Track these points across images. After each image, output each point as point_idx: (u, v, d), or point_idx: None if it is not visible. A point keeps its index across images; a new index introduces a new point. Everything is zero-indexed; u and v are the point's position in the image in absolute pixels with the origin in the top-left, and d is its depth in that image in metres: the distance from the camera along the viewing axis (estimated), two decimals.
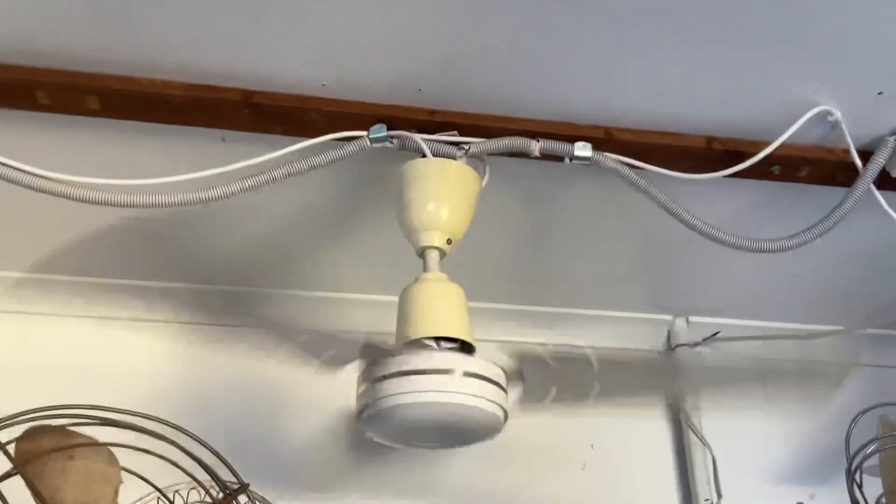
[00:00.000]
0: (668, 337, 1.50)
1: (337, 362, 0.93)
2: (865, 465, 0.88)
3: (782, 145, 1.03)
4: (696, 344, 1.47)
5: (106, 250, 1.27)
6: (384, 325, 0.96)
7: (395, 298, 0.95)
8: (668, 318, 1.50)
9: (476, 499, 1.33)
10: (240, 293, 1.36)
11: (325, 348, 0.99)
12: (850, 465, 0.85)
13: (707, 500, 1.35)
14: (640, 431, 1.43)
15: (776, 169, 1.07)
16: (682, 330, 1.49)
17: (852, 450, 0.86)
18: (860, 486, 0.88)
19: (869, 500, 0.86)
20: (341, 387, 1.21)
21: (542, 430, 1.36)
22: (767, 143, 1.02)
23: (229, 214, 1.18)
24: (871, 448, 0.86)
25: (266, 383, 1.30)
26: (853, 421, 0.91)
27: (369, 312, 1.30)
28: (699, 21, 0.91)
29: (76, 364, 1.28)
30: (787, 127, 1.01)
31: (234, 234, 1.24)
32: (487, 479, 1.34)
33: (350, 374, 0.94)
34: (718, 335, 1.45)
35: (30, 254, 1.29)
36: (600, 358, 1.00)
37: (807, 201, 1.10)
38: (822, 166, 1.07)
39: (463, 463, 1.33)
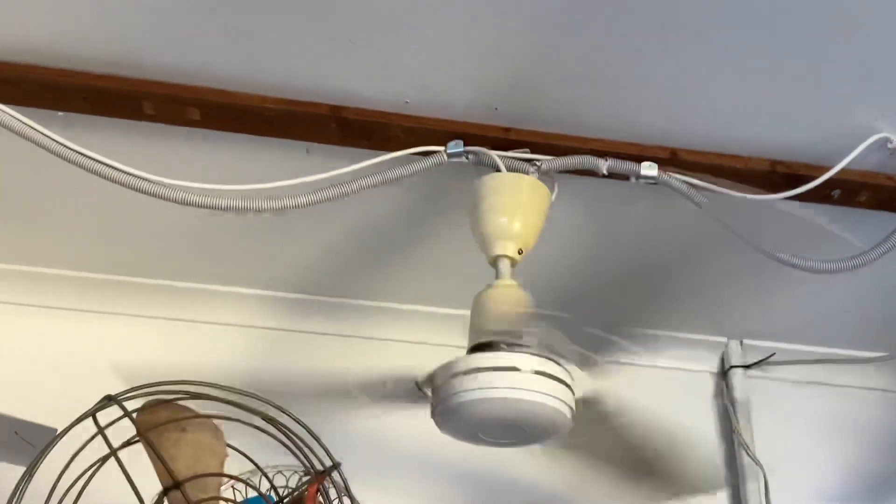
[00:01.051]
0: (723, 358, 1.52)
1: (414, 364, 0.97)
2: None
3: (843, 170, 1.07)
4: (750, 366, 1.50)
5: (190, 256, 1.34)
6: (453, 338, 1.01)
7: (464, 312, 1.01)
8: (723, 340, 1.53)
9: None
10: (315, 301, 1.42)
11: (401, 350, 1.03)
12: None
13: None
14: (694, 450, 1.46)
15: (836, 193, 1.11)
16: (737, 352, 1.51)
17: None
18: None
19: None
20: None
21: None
22: (828, 168, 1.07)
23: (308, 225, 1.25)
24: None
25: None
26: None
27: (438, 325, 1.36)
28: (766, 49, 0.96)
29: (154, 363, 1.34)
30: (847, 153, 1.05)
31: (311, 245, 1.31)
32: (545, 491, 1.37)
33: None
34: (772, 358, 1.48)
35: (113, 256, 1.36)
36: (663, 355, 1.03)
37: (865, 225, 1.13)
38: (880, 192, 1.11)
39: (522, 475, 1.36)
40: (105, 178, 1.03)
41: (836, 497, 1.43)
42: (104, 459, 0.73)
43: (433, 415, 0.94)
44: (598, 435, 0.99)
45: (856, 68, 0.98)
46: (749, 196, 1.08)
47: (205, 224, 1.24)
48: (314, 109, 1.05)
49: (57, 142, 1.01)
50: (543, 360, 0.91)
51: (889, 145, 1.06)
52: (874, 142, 1.05)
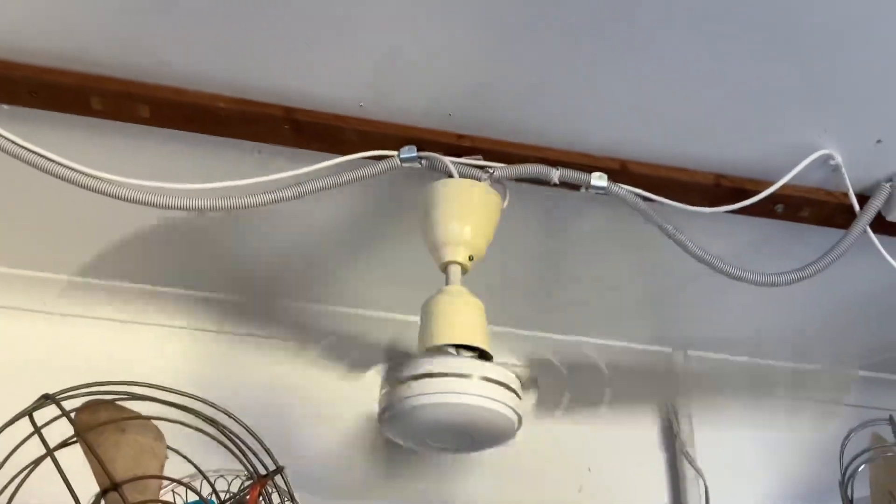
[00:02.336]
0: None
1: (361, 366, 0.97)
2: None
3: (785, 186, 1.09)
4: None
5: (138, 257, 1.32)
6: (404, 344, 1.01)
7: (416, 318, 1.01)
8: (668, 350, 1.55)
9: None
10: (263, 305, 1.41)
11: (348, 352, 1.03)
12: (843, 475, 0.92)
13: None
14: (637, 457, 1.48)
15: (779, 208, 1.13)
16: (680, 362, 1.54)
17: (845, 462, 0.92)
18: (851, 500, 0.94)
19: None
20: (361, 394, 1.27)
21: (542, 451, 1.41)
22: (772, 183, 1.09)
23: (258, 227, 1.24)
24: (864, 457, 0.92)
25: (288, 391, 1.35)
26: (847, 437, 0.97)
27: (390, 330, 1.35)
28: (714, 66, 0.98)
29: (104, 366, 1.32)
30: (791, 168, 1.08)
31: (261, 247, 1.30)
32: (489, 495, 1.38)
33: (371, 381, 0.99)
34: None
35: (55, 255, 1.33)
36: (609, 364, 1.05)
37: (806, 241, 1.16)
38: (821, 207, 1.14)
39: (465, 479, 1.38)
40: (50, 174, 1.01)
41: None
42: (40, 460, 0.71)
43: (380, 419, 0.94)
44: None
45: (801, 85, 1.00)
46: (694, 209, 1.10)
47: (151, 224, 1.23)
48: (267, 110, 1.04)
49: (1, 136, 0.99)
50: (492, 367, 0.92)
51: (831, 162, 1.08)
52: (817, 158, 1.07)
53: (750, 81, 1.00)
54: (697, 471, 1.44)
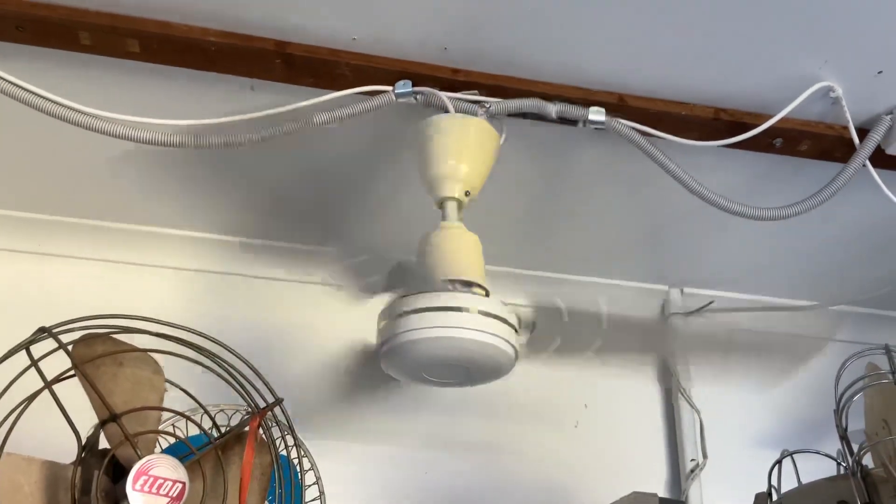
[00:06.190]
0: (663, 306, 1.55)
1: (357, 305, 0.97)
2: None
3: (785, 119, 1.08)
4: (690, 313, 1.53)
5: (130, 197, 1.31)
6: (401, 282, 1.00)
7: (413, 257, 1.00)
8: (664, 288, 1.55)
9: (474, 450, 1.38)
10: (260, 245, 1.41)
11: (345, 292, 1.02)
12: (838, 404, 0.94)
13: (693, 460, 1.42)
14: (632, 394, 1.50)
15: (778, 142, 1.12)
16: (677, 300, 1.54)
17: (840, 391, 0.93)
18: (846, 428, 0.95)
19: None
20: (358, 332, 1.27)
21: (539, 388, 1.42)
22: (772, 117, 1.08)
23: (250, 166, 1.23)
24: (859, 384, 0.93)
25: (284, 330, 1.35)
26: (842, 366, 0.98)
27: (387, 269, 1.36)
28: None
29: (93, 306, 1.32)
30: (791, 101, 1.06)
31: (255, 186, 1.29)
32: (486, 431, 1.40)
33: (368, 319, 0.99)
34: (711, 305, 1.51)
35: (50, 196, 1.32)
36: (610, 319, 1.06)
37: (805, 175, 1.15)
38: (821, 141, 1.13)
39: (462, 415, 1.39)
40: (41, 110, 1.00)
41: (770, 441, 1.48)
42: (37, 393, 0.71)
43: (378, 354, 0.94)
44: None
45: (800, 15, 0.98)
46: (693, 143, 1.09)
47: (142, 162, 1.22)
48: (259, 44, 1.02)
49: None
50: (489, 301, 0.92)
51: (831, 94, 1.07)
52: (817, 90, 1.06)
53: (750, 11, 0.98)
54: (692, 406, 1.45)
